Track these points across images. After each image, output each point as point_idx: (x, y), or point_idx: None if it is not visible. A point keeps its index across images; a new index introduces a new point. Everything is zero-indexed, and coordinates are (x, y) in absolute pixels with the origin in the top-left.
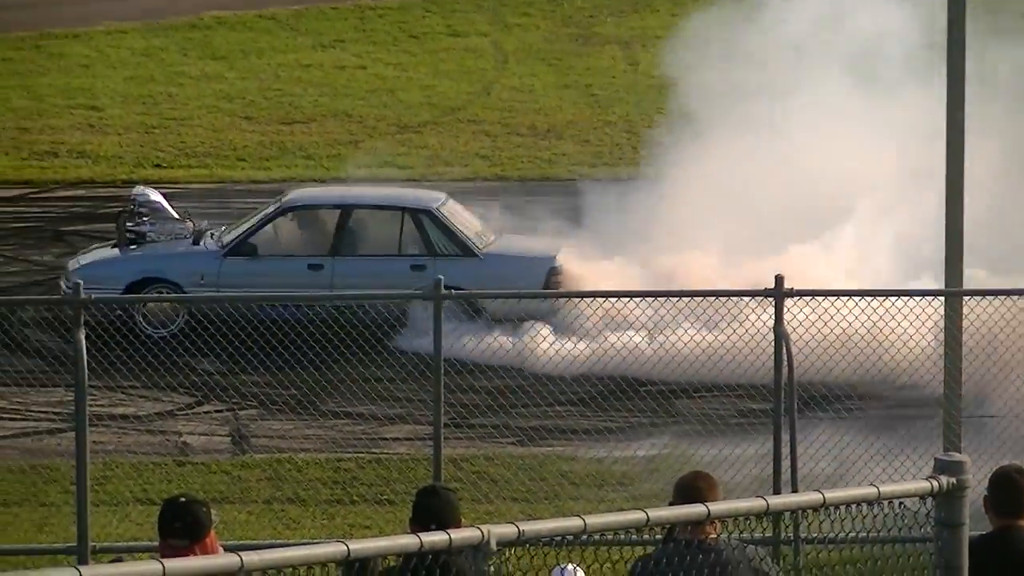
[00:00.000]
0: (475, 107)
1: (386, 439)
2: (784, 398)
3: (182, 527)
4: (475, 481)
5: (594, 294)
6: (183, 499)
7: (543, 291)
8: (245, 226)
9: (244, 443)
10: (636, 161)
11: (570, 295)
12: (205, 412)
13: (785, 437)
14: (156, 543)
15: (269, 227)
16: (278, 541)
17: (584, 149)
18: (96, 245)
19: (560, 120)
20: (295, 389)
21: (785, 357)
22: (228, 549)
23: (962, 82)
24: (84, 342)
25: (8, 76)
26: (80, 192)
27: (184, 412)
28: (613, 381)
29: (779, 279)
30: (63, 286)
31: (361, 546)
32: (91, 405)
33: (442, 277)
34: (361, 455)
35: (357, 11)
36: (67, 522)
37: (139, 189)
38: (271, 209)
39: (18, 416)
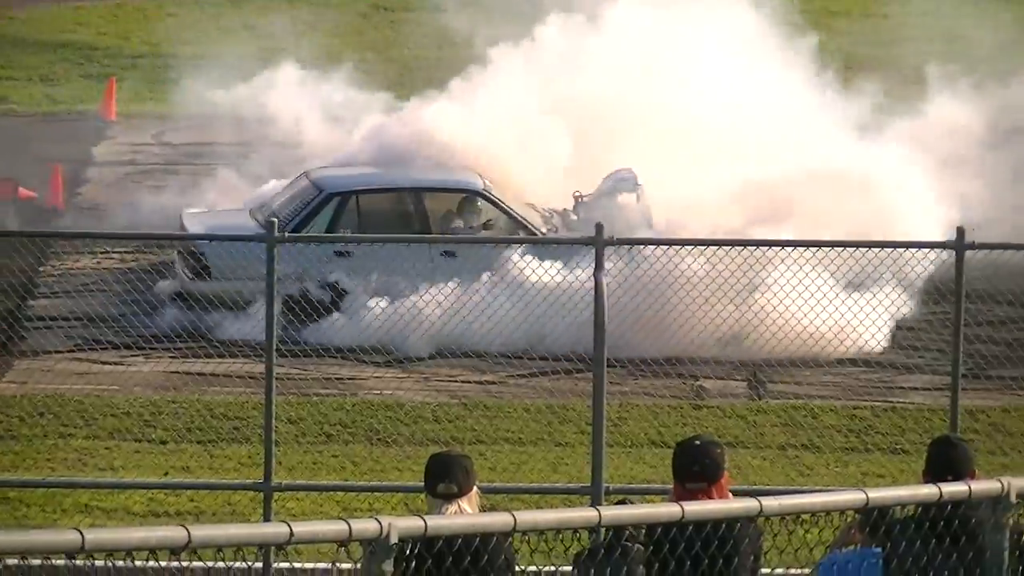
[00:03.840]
0: None
1: (903, 388)
2: None
3: (700, 470)
4: (991, 433)
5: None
6: (698, 441)
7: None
8: None
9: (760, 388)
10: None
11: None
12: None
13: None
14: (670, 485)
15: None
16: (792, 488)
17: None
18: None
19: None
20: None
21: None
22: (743, 494)
23: None
24: (604, 283)
25: None
26: None
27: (703, 356)
28: None
29: None
30: None
31: (881, 495)
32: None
33: None
34: (877, 404)
35: None
36: (582, 462)
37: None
38: None
39: (535, 356)
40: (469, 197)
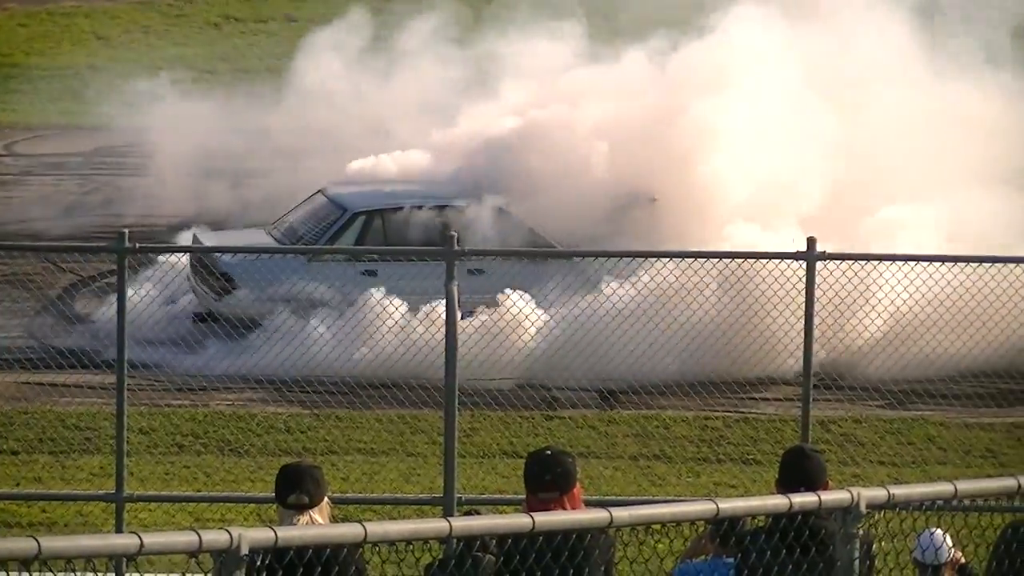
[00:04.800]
0: None
1: (754, 399)
2: None
3: (552, 479)
4: (842, 443)
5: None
6: (549, 451)
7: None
8: None
9: (612, 399)
10: None
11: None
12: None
13: None
14: (522, 496)
15: None
16: (643, 498)
17: None
18: None
19: None
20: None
21: None
22: (595, 504)
23: None
24: (456, 293)
25: None
26: None
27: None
28: None
29: None
30: None
31: (731, 505)
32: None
33: None
34: (729, 414)
35: None
36: (434, 473)
37: None
38: None
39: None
40: (494, 213)
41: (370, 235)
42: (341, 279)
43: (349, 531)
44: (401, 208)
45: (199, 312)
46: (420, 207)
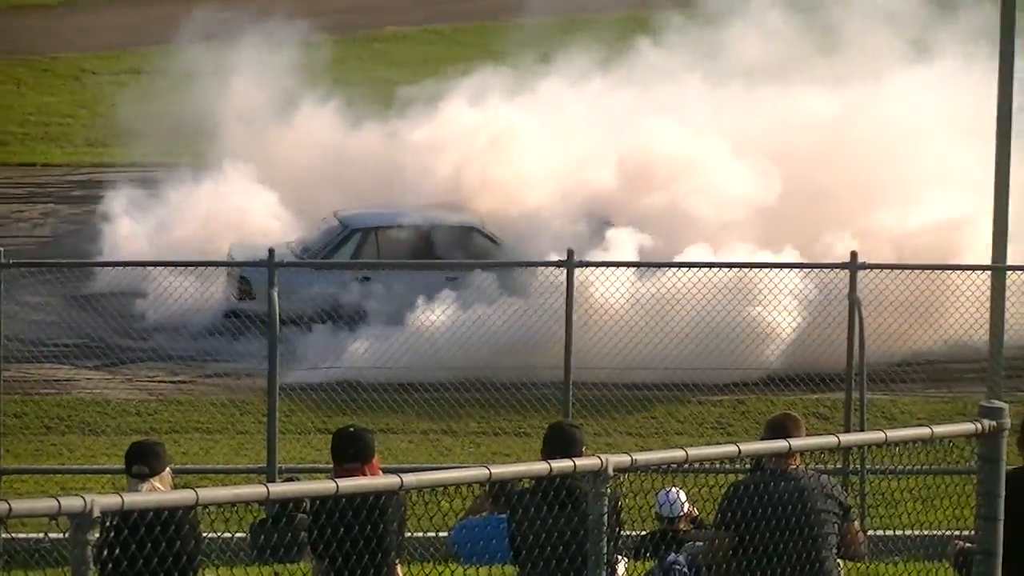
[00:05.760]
0: None
1: (526, 384)
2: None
3: (355, 452)
4: (597, 418)
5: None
6: (352, 429)
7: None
8: None
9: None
10: None
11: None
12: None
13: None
14: (331, 465)
15: None
16: (432, 465)
17: None
18: None
19: None
20: None
21: (858, 322)
22: (390, 472)
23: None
24: (277, 301)
25: None
26: None
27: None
28: None
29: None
30: None
31: (502, 470)
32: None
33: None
34: (504, 396)
35: None
36: (259, 447)
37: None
38: None
39: (220, 360)
40: (467, 232)
41: (366, 248)
42: (344, 286)
43: (183, 496)
44: (392, 227)
45: (228, 310)
46: (408, 225)
